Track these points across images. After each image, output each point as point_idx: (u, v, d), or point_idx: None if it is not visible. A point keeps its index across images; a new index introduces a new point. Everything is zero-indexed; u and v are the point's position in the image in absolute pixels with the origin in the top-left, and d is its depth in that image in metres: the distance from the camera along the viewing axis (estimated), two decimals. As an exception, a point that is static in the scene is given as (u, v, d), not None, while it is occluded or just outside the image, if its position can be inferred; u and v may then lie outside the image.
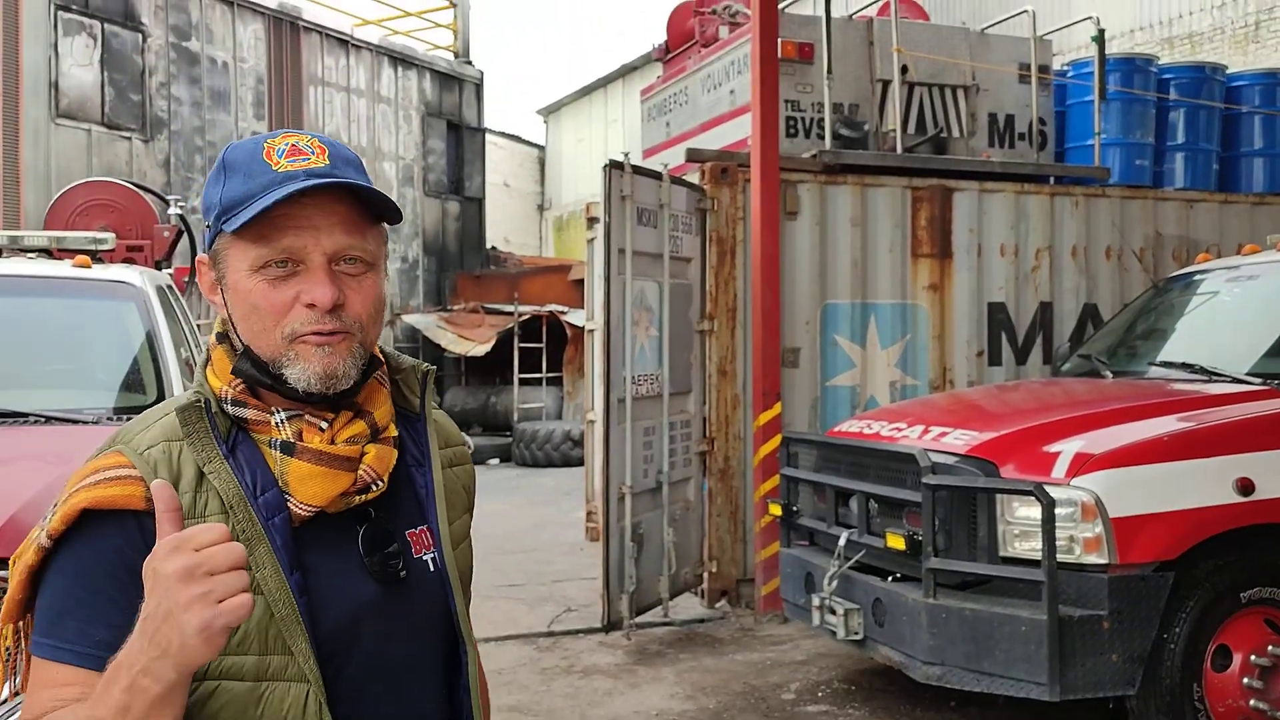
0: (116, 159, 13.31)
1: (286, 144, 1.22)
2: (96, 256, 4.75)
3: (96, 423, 3.81)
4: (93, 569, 1.14)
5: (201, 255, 1.28)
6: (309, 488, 1.20)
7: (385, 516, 1.27)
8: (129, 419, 3.79)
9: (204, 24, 14.67)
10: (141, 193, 6.97)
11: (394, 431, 1.29)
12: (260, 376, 1.22)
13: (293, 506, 1.20)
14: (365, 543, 1.24)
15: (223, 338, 1.27)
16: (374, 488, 1.24)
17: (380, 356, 1.32)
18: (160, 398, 4.03)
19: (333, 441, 1.23)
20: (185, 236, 6.87)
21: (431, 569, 1.30)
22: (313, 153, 1.22)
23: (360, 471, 1.23)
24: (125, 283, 4.48)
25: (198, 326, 5.99)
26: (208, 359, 1.28)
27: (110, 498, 1.15)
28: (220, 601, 1.00)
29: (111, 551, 1.14)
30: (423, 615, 1.28)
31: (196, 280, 1.33)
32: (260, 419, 1.23)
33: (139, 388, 4.13)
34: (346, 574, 1.23)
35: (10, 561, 1.19)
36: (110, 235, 5.00)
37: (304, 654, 1.16)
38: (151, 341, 4.23)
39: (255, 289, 1.20)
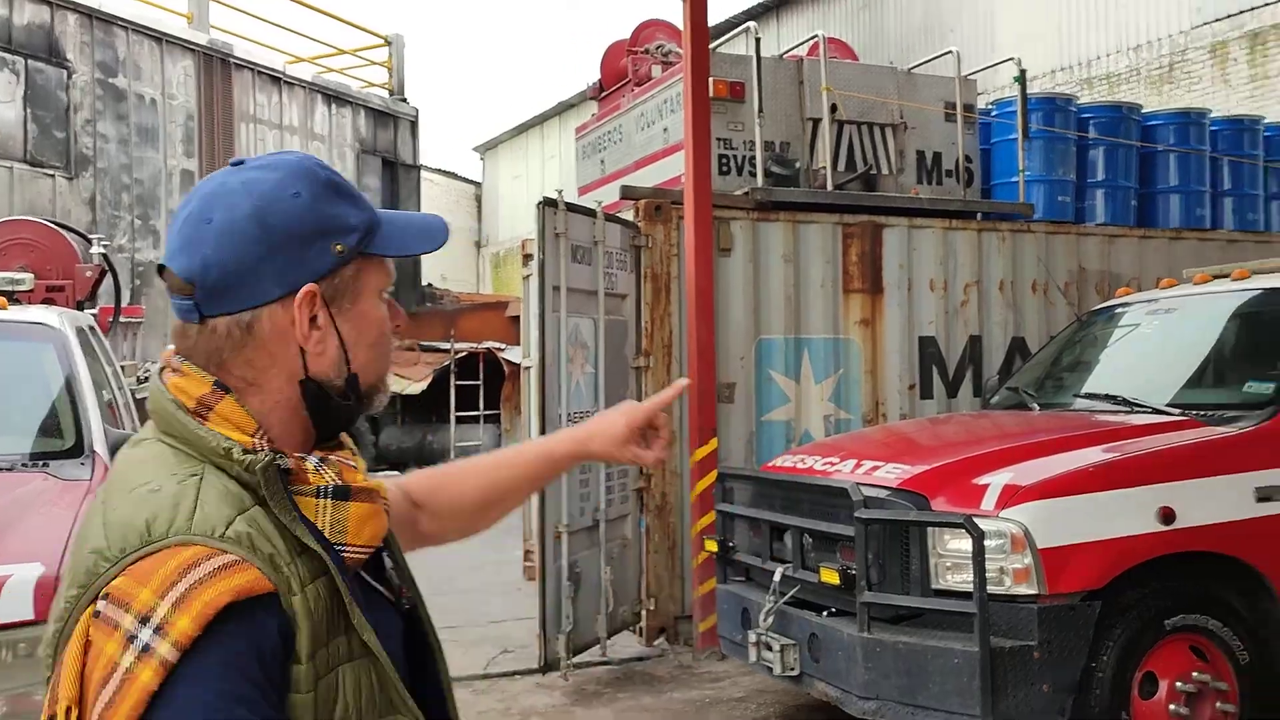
0: (39, 197, 13.02)
1: None
2: (14, 297, 4.64)
3: (11, 469, 3.69)
4: (247, 663, 0.97)
5: (312, 285, 1.10)
6: (369, 529, 1.11)
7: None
8: (46, 464, 3.74)
9: (131, 60, 14.45)
10: (63, 232, 6.81)
11: None
12: (353, 406, 1.16)
13: (349, 554, 1.09)
14: (389, 580, 1.21)
15: (221, 385, 1.09)
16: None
17: None
18: (79, 441, 3.92)
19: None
20: (109, 276, 6.73)
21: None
22: None
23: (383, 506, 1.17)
24: (43, 324, 4.38)
25: (121, 369, 5.85)
26: (203, 412, 1.08)
27: (248, 584, 0.98)
28: None
29: (265, 638, 0.99)
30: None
31: (302, 311, 1.14)
32: (300, 469, 1.09)
33: (56, 432, 4.02)
34: (383, 616, 1.15)
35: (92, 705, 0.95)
36: (28, 276, 4.90)
37: (413, 713, 1.12)
38: (70, 385, 4.12)
39: (384, 317, 1.19)
